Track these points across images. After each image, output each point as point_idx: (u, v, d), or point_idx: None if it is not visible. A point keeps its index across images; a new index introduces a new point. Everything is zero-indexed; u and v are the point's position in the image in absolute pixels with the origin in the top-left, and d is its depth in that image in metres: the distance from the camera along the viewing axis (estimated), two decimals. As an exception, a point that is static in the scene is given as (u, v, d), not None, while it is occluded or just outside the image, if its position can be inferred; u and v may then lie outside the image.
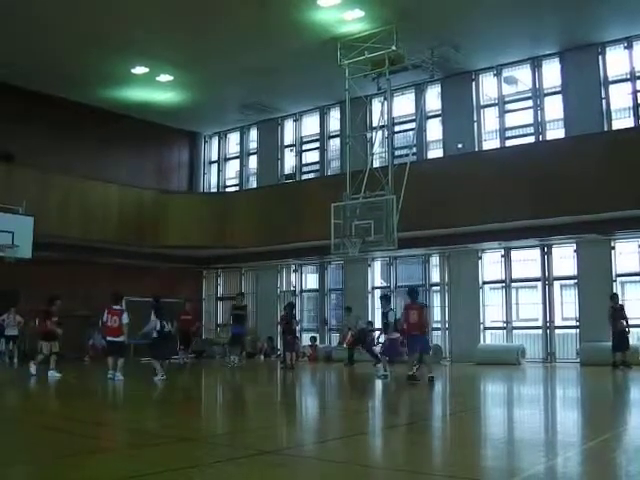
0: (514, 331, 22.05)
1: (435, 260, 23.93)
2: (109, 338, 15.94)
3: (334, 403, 13.01)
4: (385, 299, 17.36)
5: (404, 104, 24.50)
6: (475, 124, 22.92)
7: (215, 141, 30.49)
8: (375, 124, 23.40)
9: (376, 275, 25.34)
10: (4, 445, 7.80)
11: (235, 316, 19.40)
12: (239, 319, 19.35)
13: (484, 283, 22.55)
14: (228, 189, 29.81)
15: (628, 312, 18.61)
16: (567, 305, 21.41)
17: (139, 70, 22.34)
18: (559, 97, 21.55)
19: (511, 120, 22.63)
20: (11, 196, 19.75)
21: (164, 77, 23.01)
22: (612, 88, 20.69)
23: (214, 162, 30.45)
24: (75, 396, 13.59)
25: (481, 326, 22.22)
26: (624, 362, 18.02)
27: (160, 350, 16.10)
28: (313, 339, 25.18)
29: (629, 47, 20.36)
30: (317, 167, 27.05)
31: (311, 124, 27.39)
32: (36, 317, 18.59)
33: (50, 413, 10.93)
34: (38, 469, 6.47)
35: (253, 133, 29.14)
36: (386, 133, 21.32)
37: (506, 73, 22.75)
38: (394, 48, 18.70)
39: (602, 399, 12.73)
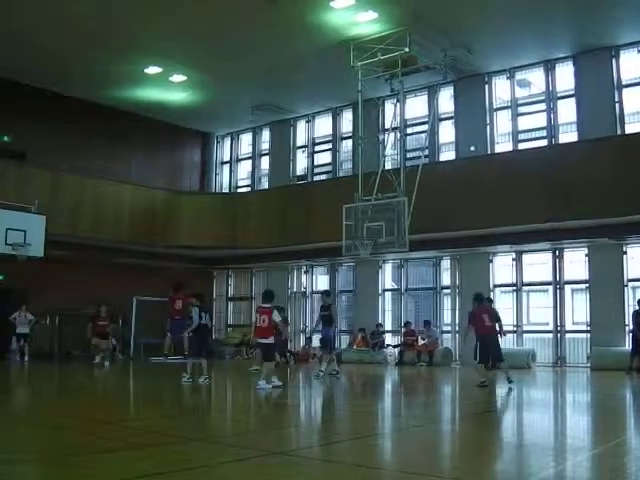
0: (524, 335, 22.00)
1: (446, 263, 23.89)
2: (256, 339, 14.47)
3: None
4: (326, 294, 18.39)
5: (416, 106, 24.47)
6: (488, 127, 22.88)
7: (227, 142, 30.53)
8: (387, 126, 23.36)
9: (387, 277, 25.31)
10: (15, 442, 7.82)
11: (321, 317, 18.44)
12: (325, 320, 17.91)
13: (495, 286, 22.47)
14: (240, 190, 29.86)
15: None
16: (578, 309, 21.34)
17: (152, 70, 22.41)
18: (572, 100, 21.47)
19: (524, 123, 22.57)
20: (23, 195, 19.85)
21: (177, 77, 23.08)
22: (625, 92, 20.60)
23: (226, 163, 30.50)
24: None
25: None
26: (638, 368, 17.93)
27: (199, 346, 15.01)
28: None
29: (643, 50, 20.29)
30: (329, 168, 27.06)
31: (323, 125, 27.40)
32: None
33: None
34: (45, 467, 6.48)
35: (265, 134, 29.19)
36: (398, 135, 21.30)
37: (519, 76, 22.71)
38: (407, 50, 18.71)
39: (613, 404, 12.65)
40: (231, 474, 6.30)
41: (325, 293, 18.73)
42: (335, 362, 17.84)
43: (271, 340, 13.83)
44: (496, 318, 14.68)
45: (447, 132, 24.05)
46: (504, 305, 22.36)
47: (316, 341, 25.38)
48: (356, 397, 14.70)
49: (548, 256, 21.89)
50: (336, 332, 20.97)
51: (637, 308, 18.55)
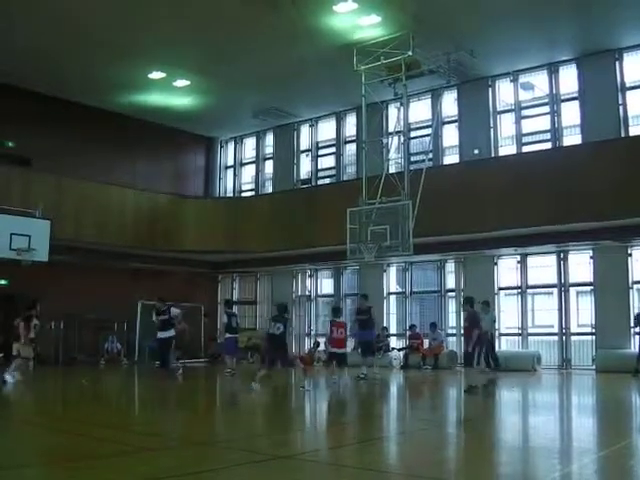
0: (530, 337, 21.95)
1: (450, 266, 23.84)
2: (333, 349, 16.42)
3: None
4: (364, 297, 18.92)
5: (420, 110, 24.47)
6: (491, 130, 22.86)
7: (231, 146, 30.55)
8: (391, 129, 23.35)
9: (391, 280, 25.29)
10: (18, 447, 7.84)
11: (359, 322, 18.23)
12: (363, 324, 18.06)
13: (500, 289, 22.43)
14: (244, 194, 29.85)
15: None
16: (583, 312, 21.28)
17: (156, 75, 22.41)
18: (576, 103, 21.44)
19: (528, 126, 22.53)
20: (28, 200, 19.87)
21: (181, 82, 23.10)
22: (629, 94, 20.55)
23: (230, 167, 30.52)
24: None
25: (496, 332, 22.08)
26: None
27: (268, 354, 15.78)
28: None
29: (647, 53, 20.26)
30: (333, 172, 27.06)
31: (327, 129, 27.41)
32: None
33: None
34: (51, 471, 6.49)
35: (269, 138, 29.20)
36: (402, 139, 21.28)
37: (523, 79, 22.69)
38: (410, 53, 18.67)
39: (619, 407, 12.63)
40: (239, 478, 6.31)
41: (363, 296, 18.89)
42: (375, 366, 18.52)
43: (346, 350, 16.28)
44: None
45: (451, 135, 24.02)
46: (509, 308, 22.37)
47: (321, 345, 25.46)
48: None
49: (553, 259, 21.84)
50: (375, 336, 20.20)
51: None
